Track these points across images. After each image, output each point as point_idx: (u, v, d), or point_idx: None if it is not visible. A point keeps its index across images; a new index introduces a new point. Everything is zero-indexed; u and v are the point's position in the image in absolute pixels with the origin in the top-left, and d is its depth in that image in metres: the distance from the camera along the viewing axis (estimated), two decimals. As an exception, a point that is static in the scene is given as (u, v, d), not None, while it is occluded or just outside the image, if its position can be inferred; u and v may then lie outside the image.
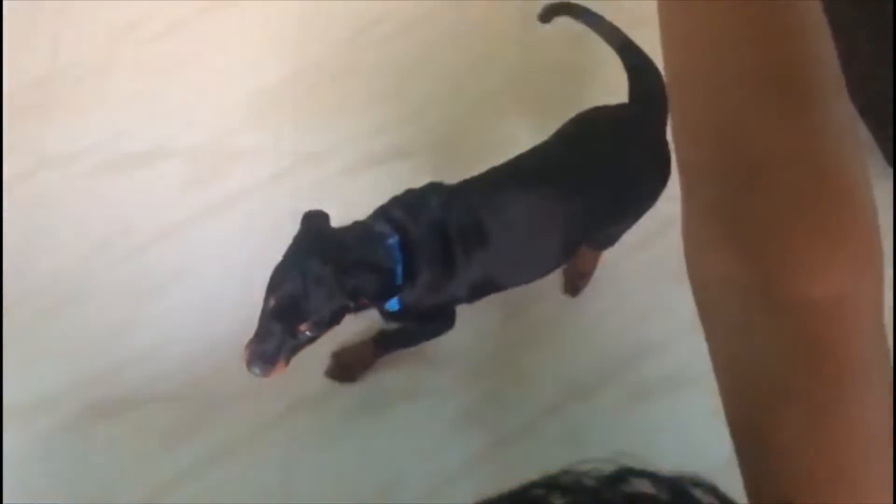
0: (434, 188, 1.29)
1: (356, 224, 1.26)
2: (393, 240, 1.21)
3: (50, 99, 1.85)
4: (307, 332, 1.15)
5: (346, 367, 1.60)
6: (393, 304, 1.24)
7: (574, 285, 1.70)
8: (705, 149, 0.48)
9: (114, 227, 1.73)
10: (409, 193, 1.29)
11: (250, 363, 1.16)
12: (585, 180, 1.28)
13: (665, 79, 0.51)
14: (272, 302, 1.14)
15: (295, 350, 1.18)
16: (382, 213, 1.26)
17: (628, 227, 1.47)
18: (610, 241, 1.56)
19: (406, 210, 1.24)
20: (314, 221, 1.21)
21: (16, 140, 1.80)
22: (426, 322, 1.41)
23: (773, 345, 0.47)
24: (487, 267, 1.27)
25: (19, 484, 1.52)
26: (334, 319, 1.17)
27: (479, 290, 1.32)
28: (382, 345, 1.55)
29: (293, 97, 1.89)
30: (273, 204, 1.76)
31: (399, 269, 1.20)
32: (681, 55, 0.49)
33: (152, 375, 1.61)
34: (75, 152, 1.80)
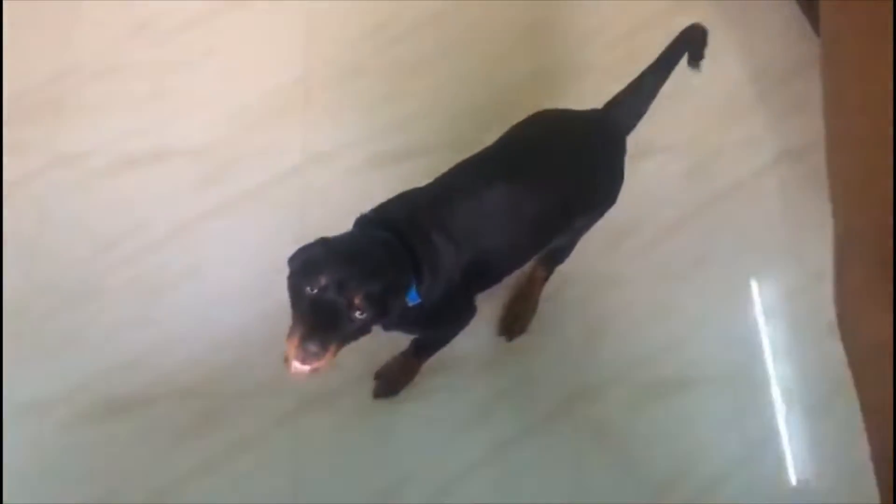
0: (404, 193, 1.31)
1: (349, 232, 1.25)
2: (387, 234, 1.20)
3: (61, 98, 1.86)
4: (360, 314, 1.07)
5: (392, 382, 1.62)
6: (413, 297, 1.22)
7: (509, 329, 1.69)
8: (870, 205, 0.46)
9: (124, 224, 1.75)
10: (383, 204, 1.30)
11: (304, 343, 1.04)
12: (552, 173, 1.30)
13: (825, 132, 0.48)
14: (322, 281, 1.06)
15: (346, 338, 1.10)
16: (365, 220, 1.27)
17: (579, 235, 1.49)
18: (561, 254, 1.56)
19: (383, 212, 1.26)
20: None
21: (27, 138, 1.81)
22: (445, 317, 1.38)
23: None
24: (474, 252, 1.27)
25: (25, 482, 1.53)
26: (382, 305, 1.11)
27: (473, 278, 1.31)
28: (420, 352, 1.55)
29: (302, 97, 1.90)
30: (282, 203, 1.77)
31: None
32: (837, 107, 0.46)
33: (162, 373, 1.62)
34: (86, 151, 1.81)
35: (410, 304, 1.20)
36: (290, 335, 1.08)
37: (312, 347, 1.04)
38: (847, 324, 0.53)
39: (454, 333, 1.45)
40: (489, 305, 1.68)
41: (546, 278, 1.66)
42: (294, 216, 1.76)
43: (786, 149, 1.90)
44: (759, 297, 1.76)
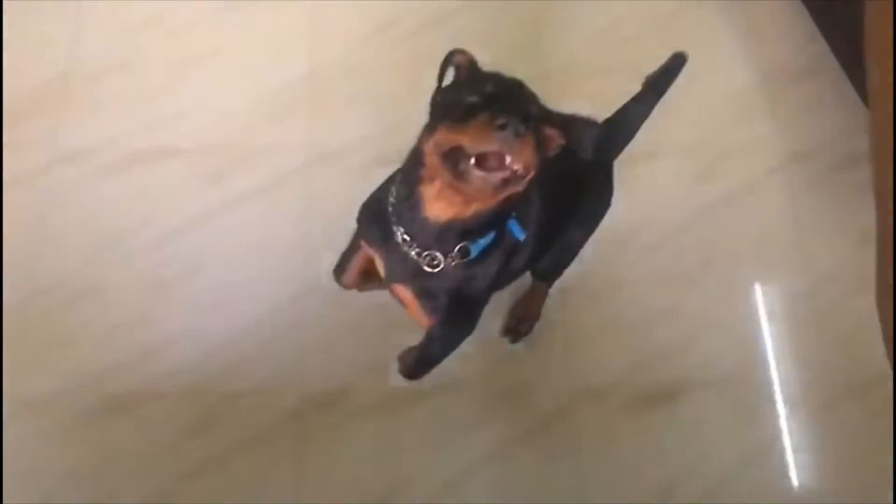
0: None
1: None
2: None
3: (67, 94, 1.86)
4: (529, 128, 0.88)
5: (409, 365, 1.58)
6: (518, 232, 1.14)
7: (513, 330, 1.68)
8: None
9: (126, 223, 1.74)
10: None
11: (498, 123, 0.82)
12: (553, 182, 1.25)
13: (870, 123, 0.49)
14: (489, 88, 0.93)
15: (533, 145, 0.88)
16: None
17: (573, 253, 1.48)
18: (554, 269, 1.54)
19: None
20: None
21: (32, 135, 1.81)
22: (462, 313, 1.32)
23: None
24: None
25: (26, 482, 1.53)
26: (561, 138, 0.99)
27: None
28: (409, 367, 1.52)
29: (307, 96, 1.89)
30: (285, 202, 1.77)
31: None
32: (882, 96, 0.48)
33: (164, 371, 1.62)
34: (90, 148, 1.80)
35: (516, 235, 1.10)
36: (453, 131, 0.87)
37: (512, 125, 0.81)
38: (886, 306, 0.53)
39: (454, 343, 1.41)
40: (493, 306, 1.68)
41: (546, 291, 1.65)
42: (298, 216, 1.75)
43: (793, 151, 1.89)
44: (764, 300, 1.75)
